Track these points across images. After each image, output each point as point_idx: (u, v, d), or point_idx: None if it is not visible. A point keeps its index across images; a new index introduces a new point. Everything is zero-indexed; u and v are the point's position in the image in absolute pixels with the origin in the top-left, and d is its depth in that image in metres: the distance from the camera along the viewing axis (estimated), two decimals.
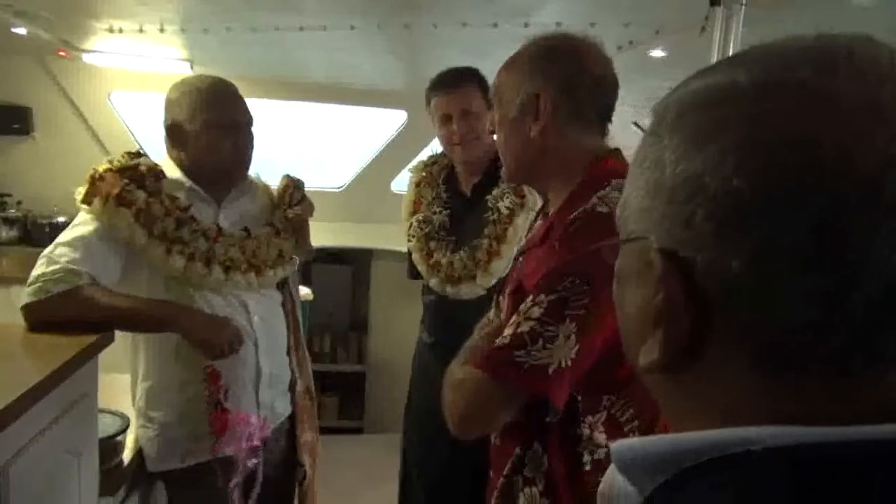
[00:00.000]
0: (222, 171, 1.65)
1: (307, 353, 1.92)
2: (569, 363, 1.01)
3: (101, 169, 1.54)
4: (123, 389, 1.73)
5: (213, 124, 1.59)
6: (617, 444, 0.42)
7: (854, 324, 0.35)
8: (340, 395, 3.73)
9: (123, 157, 1.59)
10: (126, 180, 1.51)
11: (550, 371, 1.01)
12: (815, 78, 0.37)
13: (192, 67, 3.17)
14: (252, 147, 1.68)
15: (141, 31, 2.54)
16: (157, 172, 1.58)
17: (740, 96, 0.38)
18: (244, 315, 1.65)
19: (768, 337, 0.37)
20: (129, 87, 3.59)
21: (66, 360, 1.23)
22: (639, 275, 0.43)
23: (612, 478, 0.46)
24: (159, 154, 1.71)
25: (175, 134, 1.62)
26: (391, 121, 3.87)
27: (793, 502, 0.34)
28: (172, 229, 1.54)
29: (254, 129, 1.69)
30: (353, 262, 3.82)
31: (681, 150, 0.39)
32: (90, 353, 1.34)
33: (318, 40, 2.53)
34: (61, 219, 3.41)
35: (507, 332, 1.04)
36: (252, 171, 1.77)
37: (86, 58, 3.10)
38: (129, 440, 1.64)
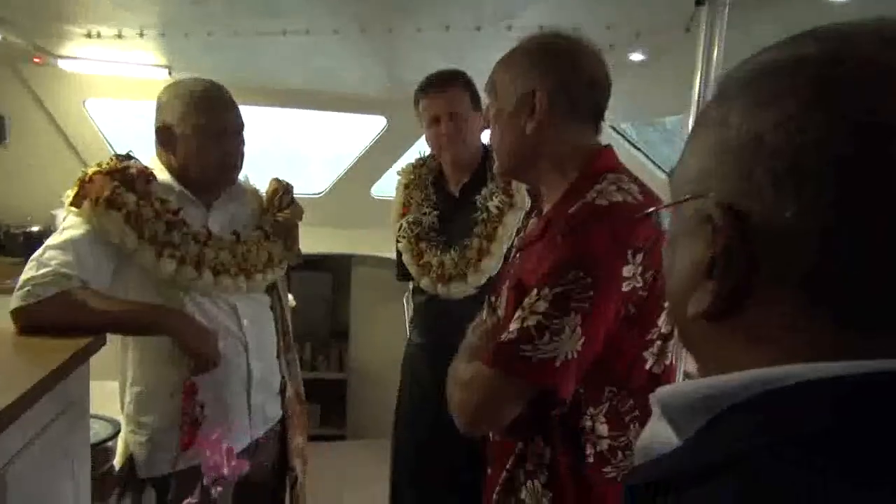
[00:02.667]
0: (211, 176, 1.64)
1: (297, 357, 1.92)
2: (575, 355, 1.02)
3: (90, 171, 1.52)
4: (110, 396, 1.70)
5: (202, 129, 1.57)
6: (660, 390, 0.46)
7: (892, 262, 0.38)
8: (322, 403, 3.71)
9: (112, 159, 1.57)
10: (116, 183, 1.49)
11: (558, 364, 1.02)
12: (879, 52, 0.40)
13: (170, 73, 3.14)
14: (242, 153, 1.68)
15: (120, 35, 2.51)
16: (147, 175, 1.57)
17: (807, 66, 0.42)
18: (234, 319, 1.65)
19: (813, 282, 0.40)
20: (105, 94, 3.55)
21: (57, 364, 1.21)
22: (693, 232, 0.46)
23: (652, 428, 0.48)
24: (146, 157, 1.68)
25: (165, 136, 1.60)
26: (370, 126, 3.87)
27: (826, 433, 0.37)
28: (163, 232, 1.52)
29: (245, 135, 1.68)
30: (333, 269, 3.81)
31: (746, 111, 0.43)
32: (82, 358, 1.32)
33: (300, 45, 2.53)
34: (35, 228, 3.35)
35: (513, 326, 1.05)
36: (241, 175, 1.75)
37: (61, 64, 3.06)
38: (120, 446, 1.61)
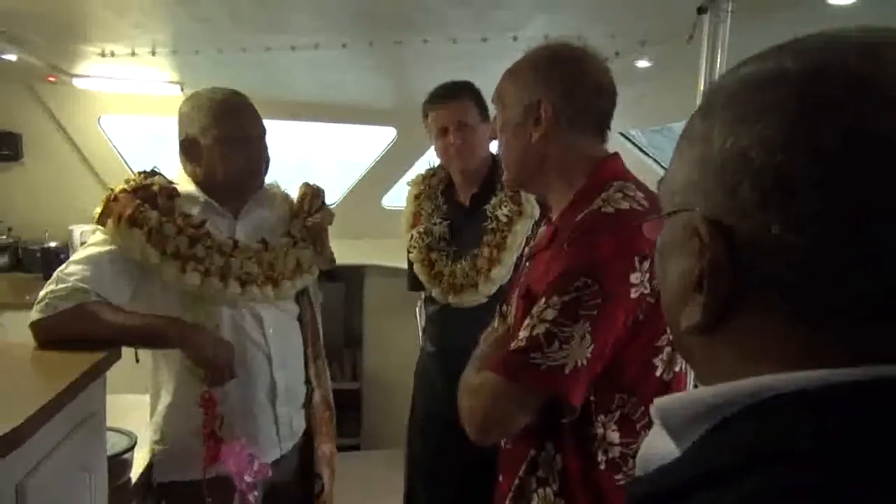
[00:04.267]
0: (236, 184, 1.64)
1: (326, 365, 1.91)
2: (584, 362, 1.03)
3: (116, 189, 1.56)
4: (127, 409, 1.72)
5: (224, 138, 1.58)
6: (659, 400, 0.46)
7: (880, 282, 0.38)
8: (337, 413, 3.70)
9: (138, 176, 1.61)
10: (139, 201, 1.53)
11: (567, 371, 1.03)
12: (860, 65, 0.40)
13: (182, 90, 3.19)
14: (266, 159, 1.68)
15: (133, 54, 2.56)
16: (170, 191, 1.59)
17: (789, 80, 0.42)
18: (258, 329, 1.65)
19: (801, 294, 0.41)
20: (119, 111, 3.60)
21: (74, 377, 1.23)
22: (682, 245, 0.46)
23: (652, 438, 0.48)
24: (171, 171, 1.71)
25: (188, 148, 1.62)
26: (381, 137, 3.90)
27: (813, 441, 0.37)
28: (186, 247, 1.54)
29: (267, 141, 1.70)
30: (346, 279, 3.83)
31: (730, 126, 0.43)
32: (98, 371, 1.34)
33: (309, 59, 2.56)
34: (52, 244, 3.40)
35: (522, 335, 1.06)
36: (270, 179, 1.77)
37: (76, 82, 3.11)
38: (139, 457, 1.63)
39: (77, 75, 3.06)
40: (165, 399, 1.65)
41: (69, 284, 1.44)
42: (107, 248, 1.51)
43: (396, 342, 3.39)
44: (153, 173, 1.63)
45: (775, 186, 0.40)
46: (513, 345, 1.07)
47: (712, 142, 0.44)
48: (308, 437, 1.83)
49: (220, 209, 1.66)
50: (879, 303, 0.39)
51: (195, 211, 1.61)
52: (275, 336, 1.68)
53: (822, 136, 0.39)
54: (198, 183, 1.64)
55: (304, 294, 1.82)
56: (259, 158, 1.66)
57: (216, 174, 1.61)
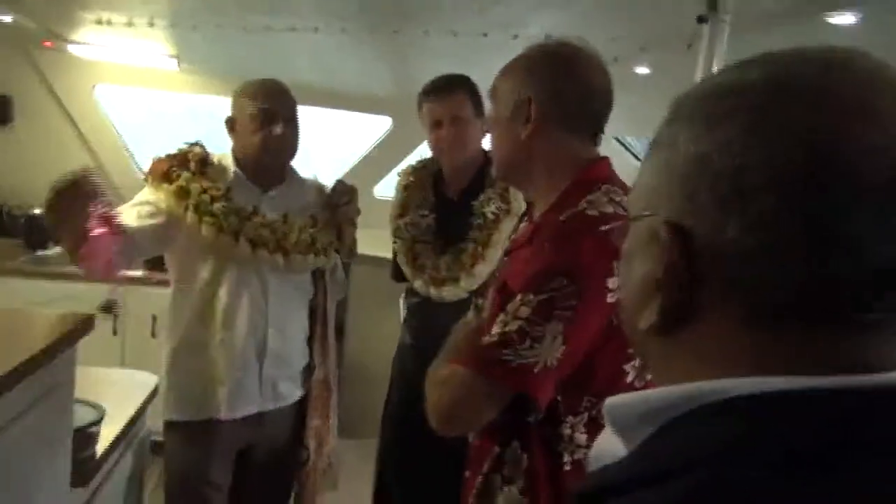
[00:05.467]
0: (261, 159, 1.81)
1: (332, 346, 2.03)
2: (555, 363, 1.02)
3: (161, 156, 1.82)
4: (100, 382, 1.72)
5: (253, 116, 1.78)
6: (610, 399, 0.47)
7: (834, 288, 0.40)
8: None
9: (183, 146, 1.84)
10: (174, 164, 1.78)
11: (536, 370, 1.02)
12: (817, 79, 0.42)
13: (178, 64, 3.16)
14: (292, 141, 1.84)
15: (130, 24, 2.53)
16: (202, 159, 1.81)
17: (751, 90, 0.44)
18: (260, 291, 1.82)
19: (754, 296, 0.42)
20: (115, 81, 3.57)
21: (41, 347, 1.22)
22: (644, 249, 0.47)
23: (604, 438, 0.49)
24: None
25: (229, 126, 1.85)
26: (376, 126, 3.88)
27: (739, 445, 0.39)
28: (206, 203, 1.74)
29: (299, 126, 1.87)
30: (349, 274, 3.81)
31: (693, 133, 0.45)
32: (68, 342, 1.33)
33: (308, 43, 2.54)
34: (38, 211, 3.35)
35: (495, 330, 1.05)
36: (311, 174, 2.01)
37: (71, 49, 3.08)
38: (106, 432, 1.62)
39: (73, 41, 3.03)
40: (167, 345, 1.86)
41: None
42: (144, 199, 1.77)
43: (380, 333, 3.37)
44: (195, 144, 1.85)
45: (732, 190, 0.41)
46: (485, 339, 1.06)
47: (677, 148, 0.46)
48: (302, 410, 1.95)
49: (248, 182, 1.84)
50: (832, 307, 0.40)
51: (226, 179, 1.81)
52: (276, 302, 1.83)
53: (777, 143, 0.41)
54: (235, 158, 1.85)
55: (321, 278, 1.96)
56: (283, 138, 1.80)
57: (245, 149, 1.82)
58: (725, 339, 0.43)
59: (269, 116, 1.77)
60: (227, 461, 1.85)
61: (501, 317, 1.05)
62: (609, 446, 0.48)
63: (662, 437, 0.43)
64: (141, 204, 1.76)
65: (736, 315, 0.43)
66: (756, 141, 0.41)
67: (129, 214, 1.71)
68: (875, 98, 0.41)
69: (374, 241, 3.17)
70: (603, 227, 0.95)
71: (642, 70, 2.33)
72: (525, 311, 1.03)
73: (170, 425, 1.85)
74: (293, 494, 2.01)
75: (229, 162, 1.85)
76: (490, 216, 1.95)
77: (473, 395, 1.07)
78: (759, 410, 0.40)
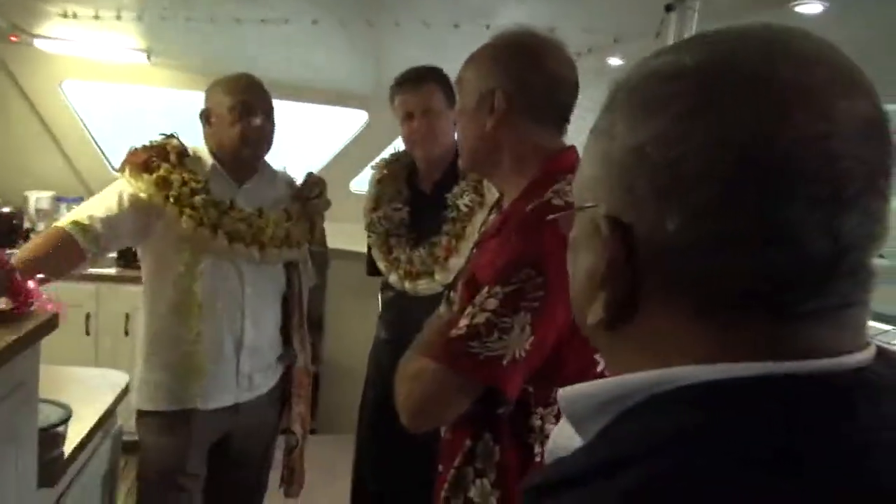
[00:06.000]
0: (235, 151, 1.83)
1: (307, 335, 2.07)
2: (523, 355, 1.02)
3: (137, 146, 1.82)
4: (69, 381, 1.69)
5: (228, 108, 1.80)
6: (564, 390, 0.46)
7: (771, 278, 0.40)
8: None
9: (159, 138, 1.85)
10: (152, 154, 1.78)
11: (505, 362, 1.02)
12: (751, 64, 0.41)
13: (149, 58, 3.11)
14: (267, 135, 1.86)
15: (97, 17, 2.48)
16: (180, 151, 1.82)
17: (684, 76, 0.42)
18: (237, 284, 1.83)
19: (696, 289, 0.42)
20: (83, 77, 3.50)
21: (2, 346, 1.19)
22: (588, 241, 0.47)
23: (560, 429, 0.48)
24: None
25: (204, 118, 1.86)
26: (352, 120, 3.85)
27: (701, 434, 0.38)
28: (187, 195, 1.75)
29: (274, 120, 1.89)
30: (323, 264, 3.78)
31: (628, 122, 0.44)
32: (30, 340, 1.30)
33: (280, 35, 2.51)
34: (7, 209, 3.29)
35: (463, 322, 1.05)
36: (281, 166, 2.02)
37: (37, 43, 3.01)
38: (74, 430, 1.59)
39: (38, 36, 2.97)
40: (142, 337, 1.87)
41: (71, 213, 1.74)
42: (119, 189, 1.76)
43: (358, 328, 3.35)
44: (171, 136, 1.86)
45: (670, 182, 0.41)
46: (453, 332, 1.05)
47: (613, 137, 0.44)
48: (286, 398, 2.00)
49: (224, 175, 1.86)
50: (772, 297, 0.40)
51: (202, 172, 1.82)
52: (252, 295, 1.86)
53: (712, 135, 0.40)
54: (210, 151, 1.86)
55: (295, 268, 1.99)
56: (258, 132, 1.82)
57: (221, 142, 1.83)
58: (671, 331, 0.43)
59: (247, 108, 1.79)
60: (202, 452, 1.87)
61: (469, 309, 1.05)
62: (564, 440, 0.47)
63: (617, 428, 0.42)
64: (115, 194, 1.76)
65: (680, 307, 0.42)
66: (691, 132, 0.40)
67: (101, 206, 1.73)
68: (814, 84, 0.40)
69: (351, 235, 3.15)
70: (549, 217, 0.94)
71: (615, 61, 2.33)
72: (493, 304, 1.02)
73: (143, 414, 1.85)
74: (282, 478, 2.04)
75: (205, 154, 1.87)
76: (463, 209, 1.94)
77: (443, 389, 1.06)
78: (711, 399, 0.39)
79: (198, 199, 1.76)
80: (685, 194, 0.40)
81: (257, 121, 1.80)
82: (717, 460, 0.37)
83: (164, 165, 1.77)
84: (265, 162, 1.96)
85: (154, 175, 1.75)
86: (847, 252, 0.39)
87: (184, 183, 1.76)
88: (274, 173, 1.99)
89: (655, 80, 0.43)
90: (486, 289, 1.04)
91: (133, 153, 1.81)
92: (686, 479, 0.37)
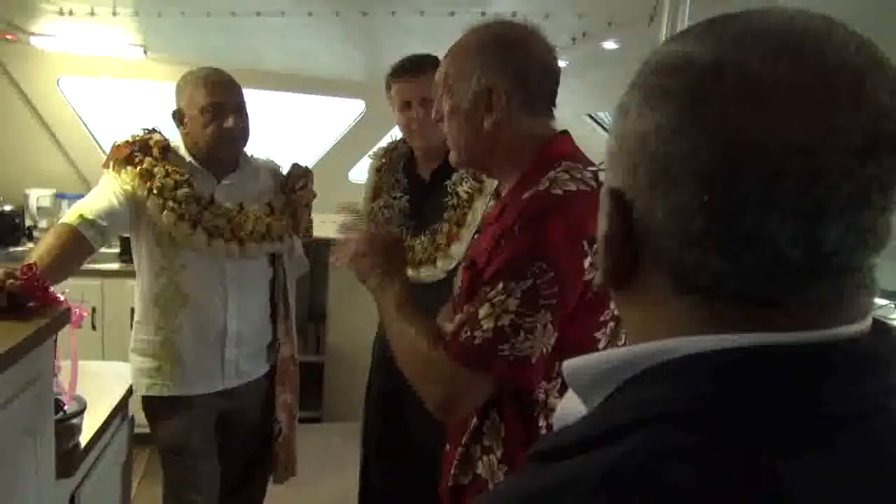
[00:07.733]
0: (214, 149, 1.85)
1: (294, 325, 2.11)
2: (549, 349, 1.06)
3: (120, 141, 1.87)
4: (82, 375, 1.71)
5: (203, 107, 1.81)
6: (568, 362, 0.49)
7: (745, 282, 0.42)
8: (299, 386, 3.71)
9: (140, 132, 1.89)
10: (135, 148, 1.82)
11: (534, 361, 1.06)
12: (758, 65, 0.41)
13: (145, 53, 3.11)
14: (243, 129, 1.88)
15: (92, 13, 2.49)
16: (163, 145, 1.86)
17: (690, 72, 0.43)
18: (219, 279, 1.88)
19: (676, 272, 0.44)
20: (80, 73, 3.50)
21: (20, 340, 1.22)
22: (603, 205, 0.49)
23: (567, 399, 0.51)
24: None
25: (178, 117, 1.88)
26: (349, 110, 3.86)
27: (703, 404, 0.40)
28: (170, 188, 1.79)
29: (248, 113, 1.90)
30: (311, 253, 3.80)
31: (640, 106, 0.46)
32: (45, 334, 1.33)
33: (275, 27, 2.51)
34: (7, 208, 3.30)
35: (487, 325, 1.05)
36: (265, 155, 2.04)
37: (33, 41, 3.02)
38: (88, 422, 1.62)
39: (34, 34, 2.97)
40: (136, 322, 1.93)
41: (73, 208, 1.77)
42: (109, 183, 1.81)
43: (360, 316, 3.37)
44: (153, 131, 1.90)
45: (663, 175, 0.43)
46: (478, 335, 1.05)
47: (628, 117, 0.47)
48: (271, 385, 2.06)
49: (203, 171, 1.89)
50: (744, 297, 0.42)
51: (186, 166, 1.86)
52: (234, 287, 1.90)
53: (702, 137, 0.41)
54: (187, 148, 1.89)
55: (279, 259, 2.03)
56: (234, 128, 1.84)
57: (198, 140, 1.86)
58: (661, 302, 0.45)
59: (217, 110, 1.82)
60: (206, 428, 1.94)
61: (489, 309, 1.05)
62: (571, 409, 0.50)
63: (618, 396, 0.44)
64: (108, 189, 1.81)
65: (667, 285, 0.45)
66: (685, 130, 0.42)
67: (100, 200, 1.77)
68: (815, 92, 0.39)
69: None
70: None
71: (610, 45, 2.34)
72: (513, 304, 1.04)
73: (143, 399, 1.93)
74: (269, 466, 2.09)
75: (182, 152, 1.90)
76: (463, 195, 1.95)
77: (474, 390, 1.09)
78: (709, 369, 0.41)
79: (181, 192, 1.80)
80: (670, 189, 0.42)
81: (230, 122, 1.82)
82: (708, 430, 0.39)
83: (147, 159, 1.81)
84: (246, 155, 1.98)
85: (138, 168, 1.80)
86: (830, 258, 0.40)
87: (167, 174, 1.80)
88: (257, 166, 2.01)
89: (664, 70, 0.45)
90: (500, 285, 1.05)
91: (116, 148, 1.85)
92: (677, 452, 0.39)
